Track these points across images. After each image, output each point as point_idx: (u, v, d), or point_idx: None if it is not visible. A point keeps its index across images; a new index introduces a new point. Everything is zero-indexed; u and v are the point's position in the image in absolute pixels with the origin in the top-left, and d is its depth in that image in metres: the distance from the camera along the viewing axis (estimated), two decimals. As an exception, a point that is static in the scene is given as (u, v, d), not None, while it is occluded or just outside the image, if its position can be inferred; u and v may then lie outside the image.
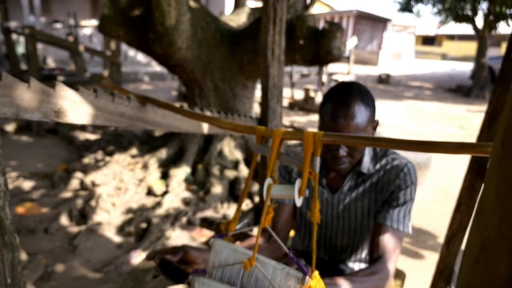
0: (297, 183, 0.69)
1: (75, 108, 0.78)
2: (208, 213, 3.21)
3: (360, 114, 0.99)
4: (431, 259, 2.67)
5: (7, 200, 0.58)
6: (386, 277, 1.00)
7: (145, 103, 0.96)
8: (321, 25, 3.35)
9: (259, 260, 0.79)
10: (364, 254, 1.26)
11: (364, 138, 0.70)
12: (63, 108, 0.74)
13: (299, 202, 0.70)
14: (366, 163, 1.12)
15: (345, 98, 1.00)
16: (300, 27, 2.92)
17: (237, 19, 4.24)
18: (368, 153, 1.13)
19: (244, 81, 3.79)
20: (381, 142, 0.70)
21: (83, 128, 5.60)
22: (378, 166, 1.12)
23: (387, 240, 1.05)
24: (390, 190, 1.09)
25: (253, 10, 4.44)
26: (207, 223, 1.34)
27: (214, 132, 1.25)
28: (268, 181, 0.72)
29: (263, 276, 0.79)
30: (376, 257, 1.04)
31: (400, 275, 1.39)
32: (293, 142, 1.27)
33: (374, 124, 1.09)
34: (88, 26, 12.04)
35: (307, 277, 0.74)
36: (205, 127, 1.23)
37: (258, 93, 4.76)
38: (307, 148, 0.70)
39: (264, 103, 1.54)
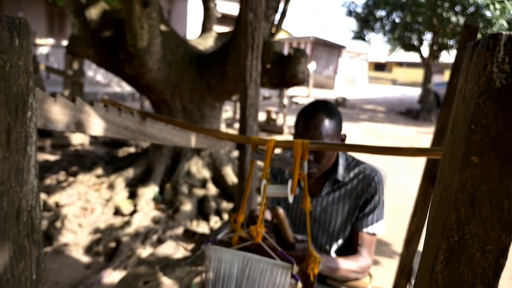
0: (289, 183, 0.82)
1: (89, 120, 0.87)
2: (179, 230, 3.24)
3: (325, 125, 1.18)
4: (390, 266, 2.88)
5: (38, 201, 0.66)
6: (367, 265, 1.25)
7: (145, 118, 1.07)
8: (284, 50, 3.58)
9: (251, 258, 0.90)
10: (339, 253, 1.41)
11: (343, 145, 0.85)
12: (81, 121, 0.83)
13: (291, 198, 0.83)
14: (341, 172, 1.30)
15: (313, 112, 1.20)
16: (267, 52, 3.12)
17: (205, 43, 4.40)
18: (341, 163, 1.32)
19: (212, 102, 3.92)
20: (356, 148, 0.85)
21: (41, 148, 5.42)
22: (352, 175, 1.32)
23: (364, 243, 1.29)
24: (364, 197, 1.29)
25: (220, 34, 4.63)
26: (189, 234, 1.43)
27: (201, 146, 1.36)
28: (264, 182, 0.84)
29: (256, 273, 0.91)
30: (357, 255, 1.28)
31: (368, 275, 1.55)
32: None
33: (341, 136, 1.28)
34: (45, 44, 11.69)
35: (294, 266, 0.87)
36: (193, 141, 1.34)
37: (224, 115, 4.87)
38: (296, 153, 0.84)
39: (243, 121, 1.68)
